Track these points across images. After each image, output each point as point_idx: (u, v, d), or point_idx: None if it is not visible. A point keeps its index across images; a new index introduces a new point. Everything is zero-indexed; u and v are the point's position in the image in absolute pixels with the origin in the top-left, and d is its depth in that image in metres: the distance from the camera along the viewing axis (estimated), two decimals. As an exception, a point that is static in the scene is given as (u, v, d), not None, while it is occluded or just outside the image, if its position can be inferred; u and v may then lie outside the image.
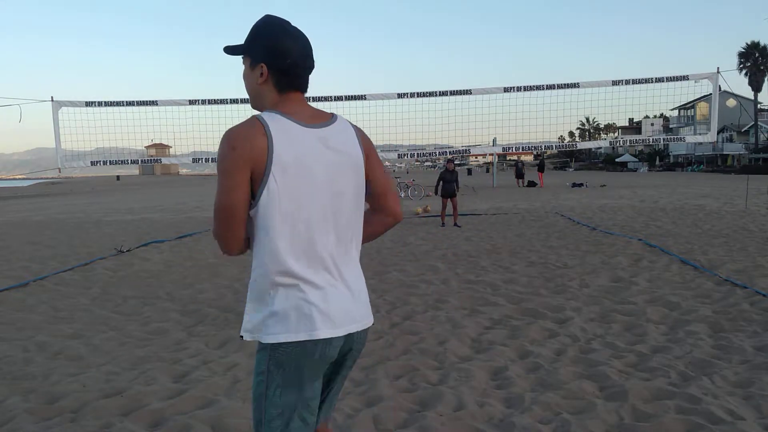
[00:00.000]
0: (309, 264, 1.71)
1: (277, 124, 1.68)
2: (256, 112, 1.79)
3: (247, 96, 1.87)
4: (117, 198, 33.11)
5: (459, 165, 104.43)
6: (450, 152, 19.43)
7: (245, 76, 1.82)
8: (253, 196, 1.69)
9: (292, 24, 1.80)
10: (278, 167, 1.65)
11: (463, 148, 18.68)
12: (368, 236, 1.94)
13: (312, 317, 1.69)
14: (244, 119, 1.71)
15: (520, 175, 34.55)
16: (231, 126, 1.70)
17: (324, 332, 1.70)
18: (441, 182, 13.27)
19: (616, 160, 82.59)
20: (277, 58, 1.75)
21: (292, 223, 1.69)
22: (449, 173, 13.30)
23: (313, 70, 1.84)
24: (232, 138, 1.65)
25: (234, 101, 14.61)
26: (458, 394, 3.62)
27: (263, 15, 1.83)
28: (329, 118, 1.81)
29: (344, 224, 1.78)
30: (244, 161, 1.63)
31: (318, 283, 1.72)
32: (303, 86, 1.81)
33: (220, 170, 1.66)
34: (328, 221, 1.74)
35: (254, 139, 1.64)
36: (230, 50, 1.84)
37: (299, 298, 1.70)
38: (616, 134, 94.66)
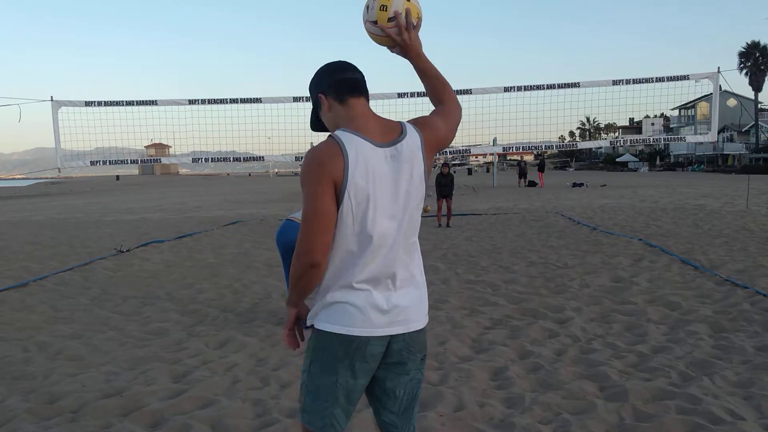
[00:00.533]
0: (370, 275, 1.86)
1: (352, 144, 1.83)
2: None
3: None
4: (116, 198, 33.12)
5: (459, 165, 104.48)
6: (450, 152, 19.43)
7: (324, 118, 2.00)
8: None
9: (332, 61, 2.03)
10: (352, 186, 1.80)
11: (463, 148, 18.66)
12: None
13: (353, 316, 1.85)
14: (320, 143, 1.88)
15: (523, 174, 34.56)
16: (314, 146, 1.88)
17: (360, 331, 1.85)
18: (437, 186, 13.34)
19: (617, 159, 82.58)
20: (323, 83, 1.96)
21: (361, 237, 1.84)
22: (443, 177, 13.33)
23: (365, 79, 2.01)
24: (318, 155, 1.81)
25: (234, 101, 14.60)
26: (458, 394, 3.62)
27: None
28: (399, 133, 1.92)
29: (409, 235, 1.94)
30: (327, 176, 1.79)
31: (373, 291, 1.87)
32: (358, 90, 1.95)
33: (306, 182, 1.81)
34: (395, 236, 1.88)
35: (334, 158, 1.80)
36: (315, 126, 2.07)
37: (351, 299, 1.86)
38: (616, 134, 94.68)
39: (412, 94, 15.23)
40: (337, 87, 1.92)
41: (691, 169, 66.75)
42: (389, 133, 1.90)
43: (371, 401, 2.03)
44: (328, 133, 1.93)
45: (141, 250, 10.25)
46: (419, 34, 2.05)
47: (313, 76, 2.00)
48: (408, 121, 2.00)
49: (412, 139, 1.93)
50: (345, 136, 1.83)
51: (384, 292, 1.87)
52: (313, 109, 2.04)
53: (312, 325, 1.94)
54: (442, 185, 13.29)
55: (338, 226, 1.83)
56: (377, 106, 16.53)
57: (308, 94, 2.01)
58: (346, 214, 1.81)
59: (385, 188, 1.85)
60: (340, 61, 2.00)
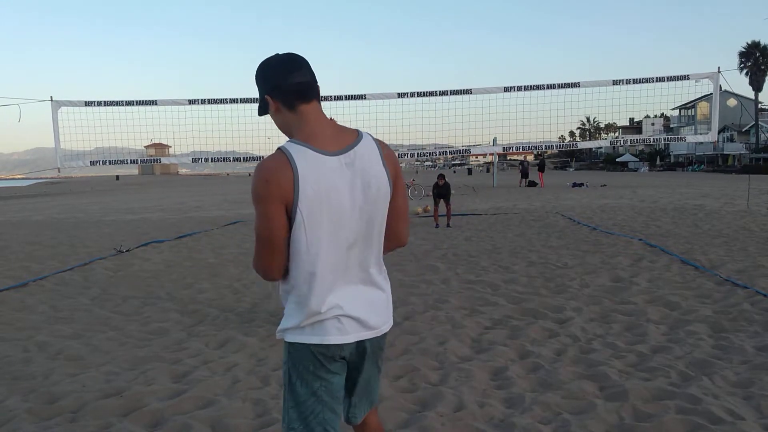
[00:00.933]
0: (333, 286, 1.83)
1: (301, 155, 1.76)
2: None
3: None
4: (116, 198, 33.12)
5: (459, 165, 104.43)
6: (450, 152, 19.42)
7: (273, 119, 1.91)
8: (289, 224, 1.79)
9: (280, 53, 1.89)
10: (304, 200, 1.74)
11: (463, 148, 18.66)
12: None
13: (325, 327, 1.85)
14: (269, 157, 1.81)
15: (525, 174, 34.56)
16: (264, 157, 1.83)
17: (335, 339, 1.86)
18: (433, 190, 13.21)
19: (617, 159, 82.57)
20: (268, 83, 1.85)
21: (320, 249, 1.79)
22: (438, 188, 13.12)
23: (315, 80, 1.89)
24: (264, 171, 1.75)
25: (234, 101, 14.59)
26: (458, 394, 3.62)
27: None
28: (353, 140, 1.84)
29: (369, 245, 1.88)
30: (276, 194, 1.73)
31: (338, 302, 1.84)
32: (309, 95, 1.84)
33: (255, 201, 1.76)
34: (354, 246, 1.84)
35: (283, 173, 1.73)
36: (261, 110, 1.94)
37: (319, 312, 1.83)
38: (616, 134, 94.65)
39: (412, 94, 15.24)
40: (285, 93, 1.82)
41: (692, 169, 66.74)
42: (343, 140, 1.83)
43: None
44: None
45: (141, 250, 10.26)
46: None
47: (257, 68, 1.89)
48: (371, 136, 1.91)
49: (369, 147, 1.85)
50: (294, 149, 1.77)
51: (352, 303, 1.86)
52: (260, 102, 1.93)
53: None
54: (439, 195, 13.11)
55: (294, 246, 1.79)
56: (378, 106, 16.50)
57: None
58: (298, 233, 1.76)
59: (342, 199, 1.78)
60: (286, 57, 1.86)
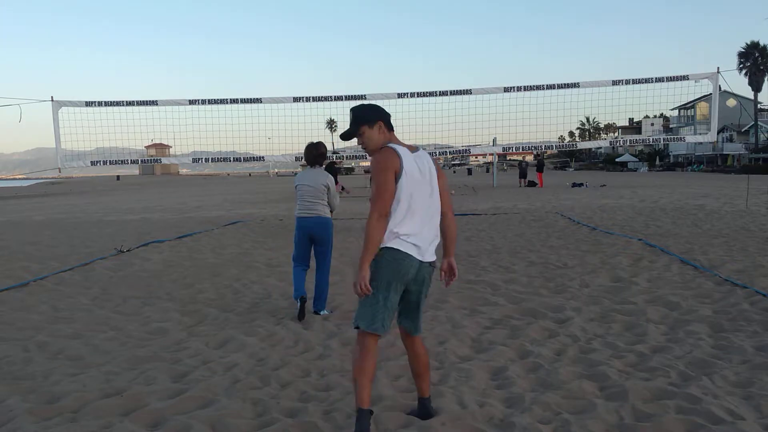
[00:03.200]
0: (413, 224, 3.05)
1: (400, 151, 3.07)
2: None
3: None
4: (117, 198, 33.12)
5: (459, 165, 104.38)
6: (450, 152, 19.42)
7: (369, 138, 3.14)
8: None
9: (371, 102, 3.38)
10: (404, 172, 3.02)
11: (463, 148, 18.67)
12: (449, 228, 3.33)
13: (405, 245, 3.05)
14: (382, 149, 3.11)
15: (523, 174, 34.63)
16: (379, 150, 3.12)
17: (410, 251, 3.06)
18: None
19: (616, 160, 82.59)
20: (381, 116, 3.17)
21: (409, 201, 3.04)
22: None
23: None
24: (386, 156, 3.04)
25: (234, 101, 14.60)
26: (458, 394, 3.62)
27: (355, 106, 3.25)
28: (417, 149, 3.19)
29: (433, 205, 3.16)
30: (391, 168, 3.00)
31: (415, 233, 3.07)
32: (390, 125, 3.23)
33: (379, 171, 2.99)
34: (426, 202, 3.11)
35: (395, 158, 3.03)
36: (347, 135, 3.25)
37: (403, 237, 3.04)
38: (616, 134, 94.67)
39: (412, 95, 15.24)
40: (387, 121, 3.17)
41: (691, 169, 66.75)
42: (411, 148, 3.18)
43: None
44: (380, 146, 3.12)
45: (141, 250, 10.26)
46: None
47: (366, 106, 3.21)
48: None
49: (426, 156, 3.20)
50: (395, 147, 3.08)
51: (420, 235, 3.08)
52: (351, 125, 3.17)
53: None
54: None
55: (396, 197, 3.00)
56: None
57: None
58: (400, 190, 3.00)
59: (420, 177, 3.09)
60: (379, 106, 3.25)
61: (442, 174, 3.26)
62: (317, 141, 5.85)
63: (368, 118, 3.13)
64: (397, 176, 3.00)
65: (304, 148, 5.98)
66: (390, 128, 3.18)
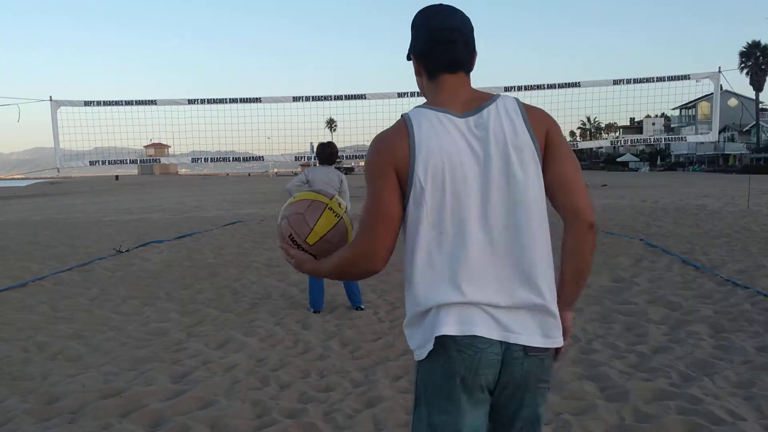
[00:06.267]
0: (467, 272, 1.52)
1: (422, 119, 1.56)
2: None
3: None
4: (116, 198, 33.11)
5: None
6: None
7: (416, 79, 1.73)
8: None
9: (442, 3, 1.67)
10: (421, 167, 1.52)
11: (464, 147, 18.66)
12: (569, 256, 1.75)
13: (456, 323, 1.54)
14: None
15: None
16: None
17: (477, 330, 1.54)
18: None
19: (618, 159, 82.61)
20: (415, 44, 1.65)
21: (443, 227, 1.53)
22: None
23: (474, 48, 1.65)
24: (376, 142, 1.61)
25: (233, 101, 14.59)
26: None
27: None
28: (486, 100, 1.60)
29: (501, 227, 1.55)
30: (387, 165, 1.55)
31: (474, 289, 1.53)
32: (453, 65, 1.62)
33: (366, 177, 1.60)
34: (481, 223, 1.54)
35: (396, 141, 1.55)
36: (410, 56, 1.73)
37: (446, 308, 1.55)
38: (617, 134, 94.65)
39: (412, 94, 15.22)
40: (425, 57, 1.63)
41: (692, 169, 66.75)
42: (475, 101, 1.59)
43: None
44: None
45: (140, 250, 10.24)
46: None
47: (414, 16, 1.67)
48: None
49: (507, 112, 1.57)
50: (415, 112, 1.59)
51: (490, 293, 1.57)
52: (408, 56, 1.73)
53: None
54: None
55: (413, 219, 1.58)
56: (377, 105, 16.48)
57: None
58: (417, 203, 1.55)
59: (466, 169, 1.53)
60: (440, 13, 1.62)
61: (561, 142, 1.63)
62: (328, 141, 6.18)
63: (411, 44, 1.68)
64: (405, 180, 1.55)
65: (305, 147, 6.14)
66: (442, 71, 1.62)
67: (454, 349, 1.50)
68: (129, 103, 14.39)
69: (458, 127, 1.55)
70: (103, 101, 14.41)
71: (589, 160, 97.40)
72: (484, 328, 1.50)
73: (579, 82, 14.81)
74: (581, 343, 4.65)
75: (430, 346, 1.53)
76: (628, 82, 14.74)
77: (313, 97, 14.94)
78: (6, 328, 5.43)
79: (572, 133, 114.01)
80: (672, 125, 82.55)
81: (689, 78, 14.66)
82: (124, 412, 3.50)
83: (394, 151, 1.54)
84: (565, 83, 14.92)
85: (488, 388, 1.54)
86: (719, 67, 14.56)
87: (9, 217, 19.71)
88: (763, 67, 62.14)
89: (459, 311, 1.51)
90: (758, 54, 62.06)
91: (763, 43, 62.04)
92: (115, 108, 14.40)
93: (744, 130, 65.84)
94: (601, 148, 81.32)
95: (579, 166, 1.67)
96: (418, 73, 1.69)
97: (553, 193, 1.63)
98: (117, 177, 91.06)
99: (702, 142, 54.15)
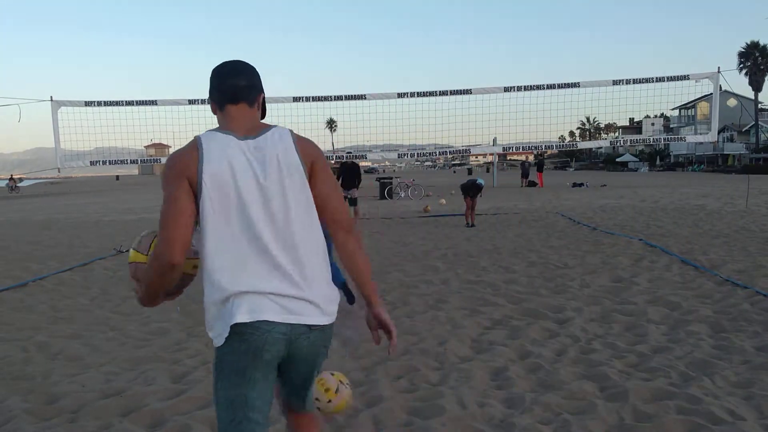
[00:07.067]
0: (242, 275, 1.93)
1: (210, 137, 1.91)
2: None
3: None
4: (116, 198, 33.11)
5: (459, 165, 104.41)
6: (450, 152, 19.41)
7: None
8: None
9: (232, 60, 2.06)
10: (208, 174, 1.85)
11: (463, 148, 18.65)
12: (343, 258, 2.05)
13: (246, 307, 1.95)
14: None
15: (526, 174, 34.72)
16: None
17: (264, 314, 1.92)
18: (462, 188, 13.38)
19: (617, 159, 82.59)
20: (211, 91, 2.02)
21: (222, 228, 1.90)
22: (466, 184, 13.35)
23: (248, 86, 2.00)
24: (171, 157, 1.93)
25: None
26: (458, 394, 3.61)
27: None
28: (265, 128, 1.98)
29: (281, 225, 1.91)
30: (177, 174, 1.86)
31: (258, 277, 1.92)
32: (233, 99, 1.97)
33: (162, 185, 1.89)
34: (261, 226, 1.89)
35: (188, 154, 1.88)
36: None
37: (238, 294, 1.95)
38: (616, 134, 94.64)
39: (412, 95, 15.23)
40: (217, 95, 1.99)
41: (692, 169, 66.75)
42: (255, 129, 1.96)
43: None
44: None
45: (141, 250, 10.23)
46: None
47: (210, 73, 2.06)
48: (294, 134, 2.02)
49: (282, 139, 1.95)
50: (206, 133, 1.95)
51: (270, 282, 1.97)
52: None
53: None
54: (466, 188, 13.26)
55: (202, 225, 1.92)
56: (376, 106, 16.47)
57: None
58: (206, 204, 1.87)
59: (246, 181, 1.89)
60: (226, 65, 2.02)
61: (323, 168, 2.00)
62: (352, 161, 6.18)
63: (209, 91, 2.03)
64: (196, 186, 1.84)
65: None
66: (226, 102, 1.96)
67: (247, 333, 1.89)
68: (129, 103, 14.39)
69: (240, 147, 1.90)
70: (104, 101, 14.41)
71: (589, 160, 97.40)
72: (271, 313, 1.87)
73: (578, 83, 14.82)
74: (581, 342, 4.66)
75: (226, 333, 1.95)
76: (628, 82, 14.75)
77: (313, 97, 14.95)
78: (6, 328, 5.44)
79: (572, 133, 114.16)
80: (671, 125, 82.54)
81: (688, 78, 14.68)
82: (125, 412, 3.50)
83: (186, 163, 1.86)
84: (565, 83, 14.93)
85: (279, 359, 1.97)
86: (718, 68, 14.58)
87: (10, 217, 19.72)
88: (762, 67, 62.12)
89: (250, 300, 1.89)
90: (757, 54, 62.05)
91: (762, 43, 62.04)
92: (115, 108, 14.40)
93: (743, 130, 65.82)
94: (601, 148, 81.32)
95: (337, 185, 2.09)
96: (214, 111, 2.03)
97: (318, 208, 1.98)
98: (117, 177, 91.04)
99: (701, 143, 54.14)
